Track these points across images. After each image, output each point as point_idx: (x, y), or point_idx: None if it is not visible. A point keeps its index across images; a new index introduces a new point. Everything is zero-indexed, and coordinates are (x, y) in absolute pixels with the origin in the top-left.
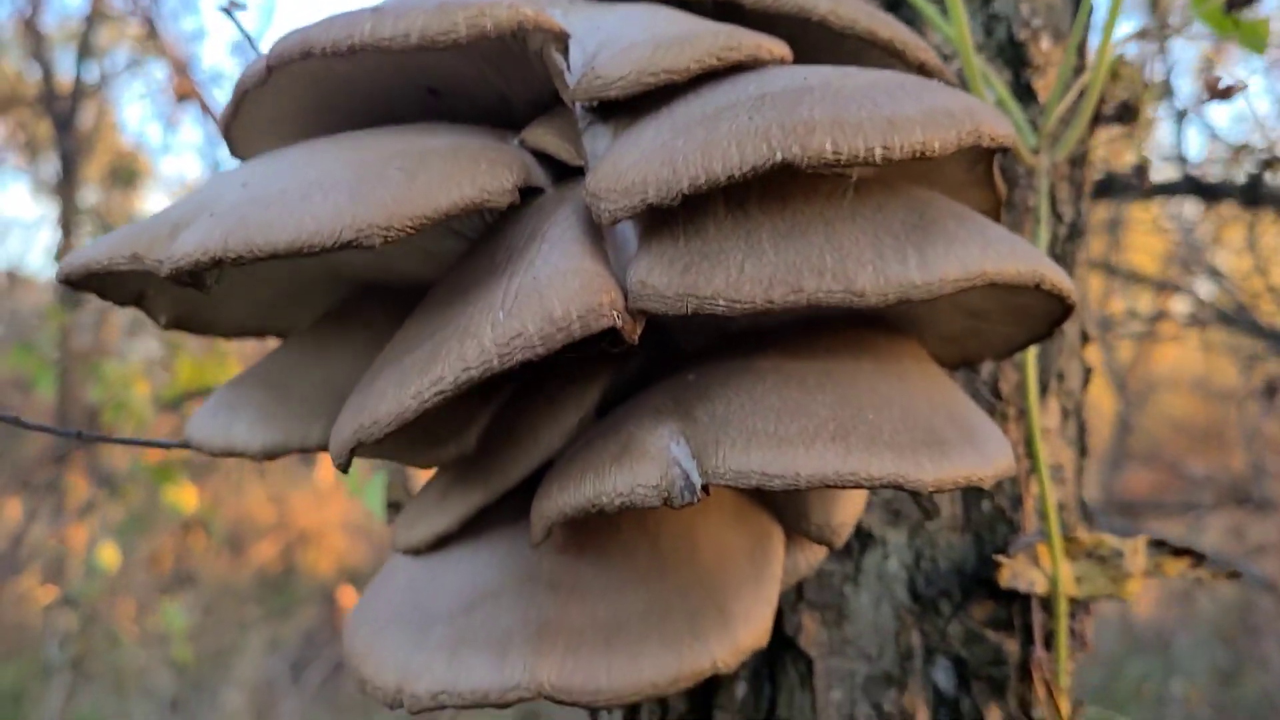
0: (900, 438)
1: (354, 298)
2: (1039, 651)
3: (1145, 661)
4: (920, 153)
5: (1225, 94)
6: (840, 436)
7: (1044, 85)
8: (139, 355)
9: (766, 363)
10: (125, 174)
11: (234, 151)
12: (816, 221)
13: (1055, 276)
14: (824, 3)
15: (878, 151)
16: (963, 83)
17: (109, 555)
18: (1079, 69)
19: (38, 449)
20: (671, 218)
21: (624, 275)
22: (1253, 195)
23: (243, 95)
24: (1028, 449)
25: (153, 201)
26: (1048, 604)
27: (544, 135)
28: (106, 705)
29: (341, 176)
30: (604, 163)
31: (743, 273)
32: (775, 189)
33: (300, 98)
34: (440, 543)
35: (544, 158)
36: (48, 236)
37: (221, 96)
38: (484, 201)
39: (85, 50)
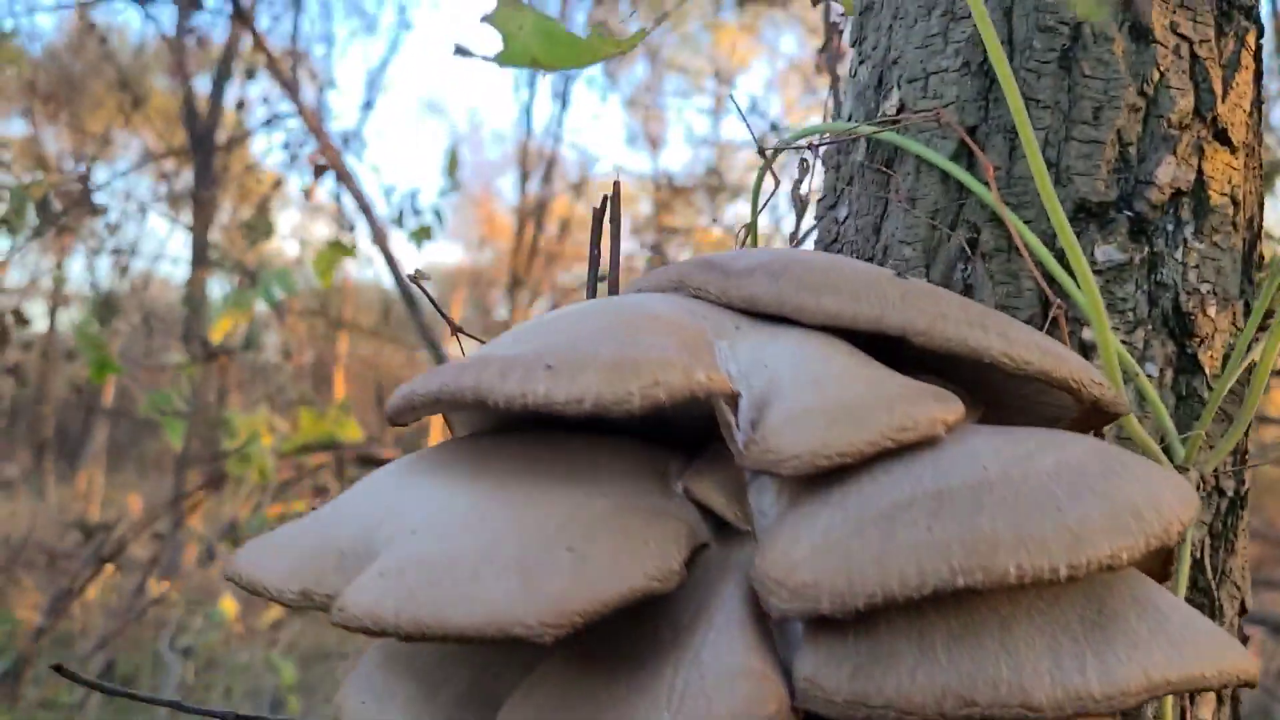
0: None
1: None
2: None
3: None
4: (1108, 566)
5: None
6: None
7: (1210, 357)
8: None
9: None
10: (261, 226)
11: (393, 425)
12: (991, 619)
13: (1243, 668)
14: (997, 344)
15: (1063, 572)
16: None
17: (229, 607)
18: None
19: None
20: None
21: (788, 658)
22: None
23: (410, 409)
24: None
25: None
26: None
27: (709, 490)
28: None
29: (511, 552)
30: (773, 545)
31: (915, 682)
32: None
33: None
34: None
35: (707, 510)
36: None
37: (349, 150)
38: (654, 590)
39: (224, 74)
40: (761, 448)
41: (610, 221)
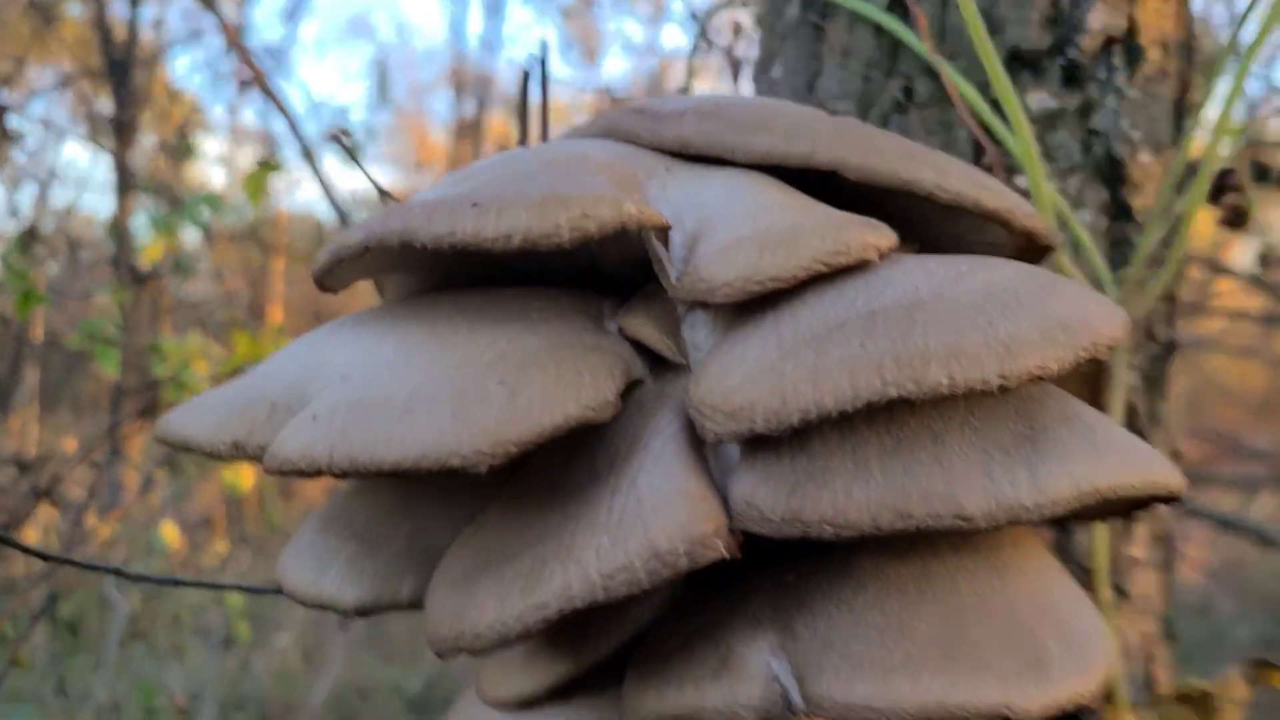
0: (1006, 659)
1: None
2: None
3: (1191, 627)
4: (1039, 376)
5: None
6: (945, 664)
7: (1142, 203)
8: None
9: (864, 563)
10: (182, 147)
11: (322, 289)
12: (924, 435)
13: (1169, 479)
14: (929, 175)
15: (995, 381)
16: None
17: (170, 533)
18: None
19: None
20: None
21: (724, 482)
22: None
23: (337, 262)
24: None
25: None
26: None
27: (643, 325)
28: (162, 641)
29: (443, 389)
30: (708, 372)
31: (850, 498)
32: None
33: (392, 257)
34: (524, 705)
35: (641, 346)
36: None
37: (275, 69)
38: (588, 419)
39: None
40: (694, 277)
41: (541, 81)
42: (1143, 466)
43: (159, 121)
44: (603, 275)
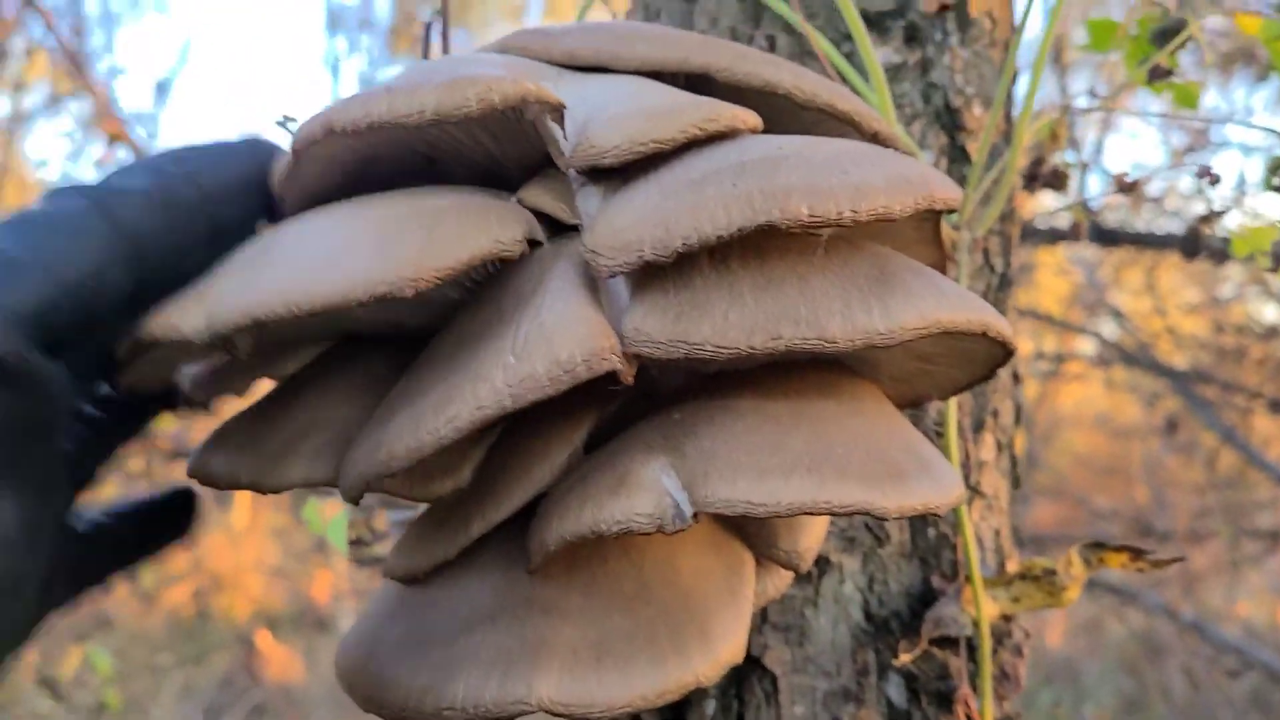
0: (866, 469)
1: (347, 343)
2: (964, 688)
3: (1057, 690)
4: (884, 215)
5: (1131, 188)
6: (814, 469)
7: (976, 148)
8: None
9: (744, 403)
10: None
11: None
12: (790, 276)
13: (999, 325)
14: (789, 77)
15: (847, 215)
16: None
17: None
18: (1006, 139)
19: None
20: (661, 272)
21: (618, 323)
22: (1191, 248)
23: (280, 184)
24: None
25: None
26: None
27: (540, 195)
28: None
29: (366, 238)
30: (599, 222)
31: (727, 321)
32: (754, 247)
33: (322, 177)
34: (436, 570)
35: (541, 216)
36: None
37: (145, 135)
38: (499, 251)
39: None
40: (585, 145)
41: (442, 34)
42: (980, 310)
43: (18, 193)
44: (507, 182)
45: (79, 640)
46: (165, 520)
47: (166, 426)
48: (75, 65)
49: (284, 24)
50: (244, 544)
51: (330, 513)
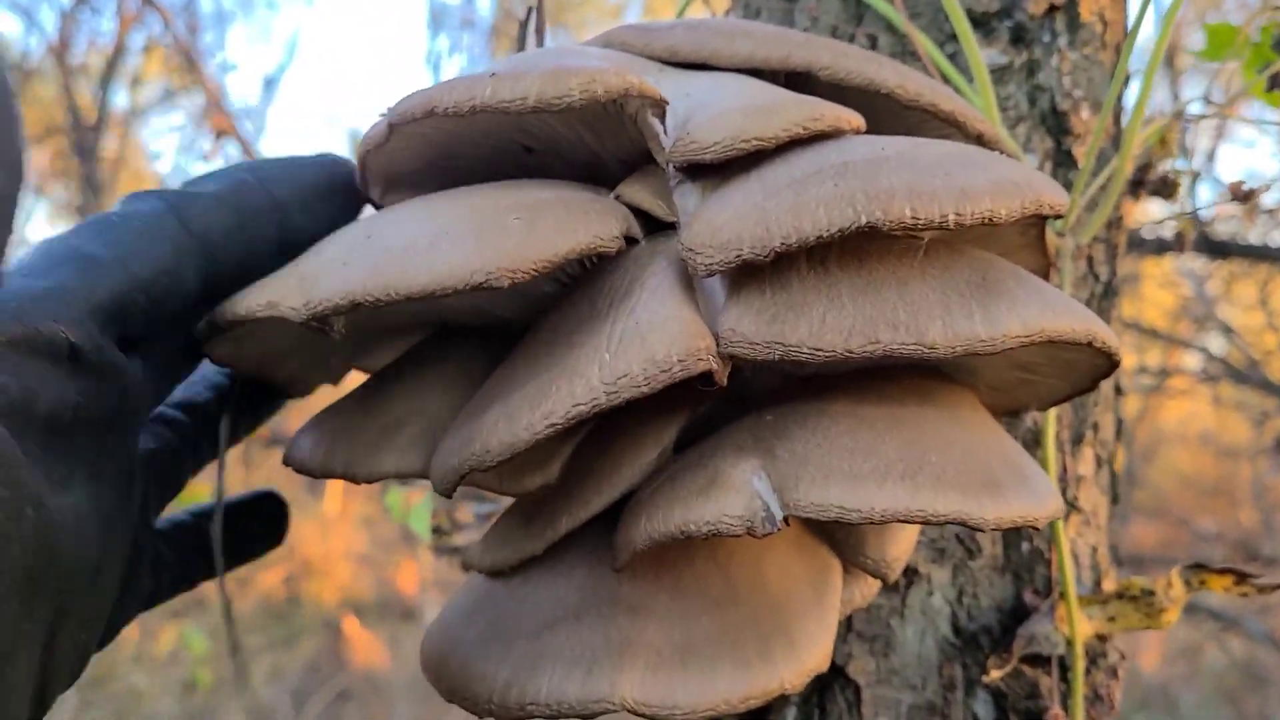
0: (962, 479)
1: (441, 336)
2: (1055, 709)
3: (1151, 718)
4: (989, 219)
5: (1247, 197)
6: (909, 476)
7: (1083, 153)
8: None
9: (838, 406)
10: None
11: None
12: (890, 279)
13: (1105, 335)
14: (892, 76)
15: (951, 218)
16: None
17: None
18: (1114, 144)
19: None
20: (758, 273)
21: (714, 323)
22: None
23: (365, 154)
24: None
25: None
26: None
27: (638, 192)
28: None
29: (465, 227)
30: (698, 220)
31: (824, 324)
32: (853, 249)
33: (411, 156)
34: (523, 565)
35: (637, 212)
36: None
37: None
38: (598, 247)
39: (110, 78)
40: (686, 140)
41: (537, 30)
42: (1085, 319)
43: (133, 183)
44: (604, 176)
45: (175, 618)
46: (254, 524)
47: None
48: (189, 61)
49: (388, 23)
50: (334, 532)
51: (413, 501)
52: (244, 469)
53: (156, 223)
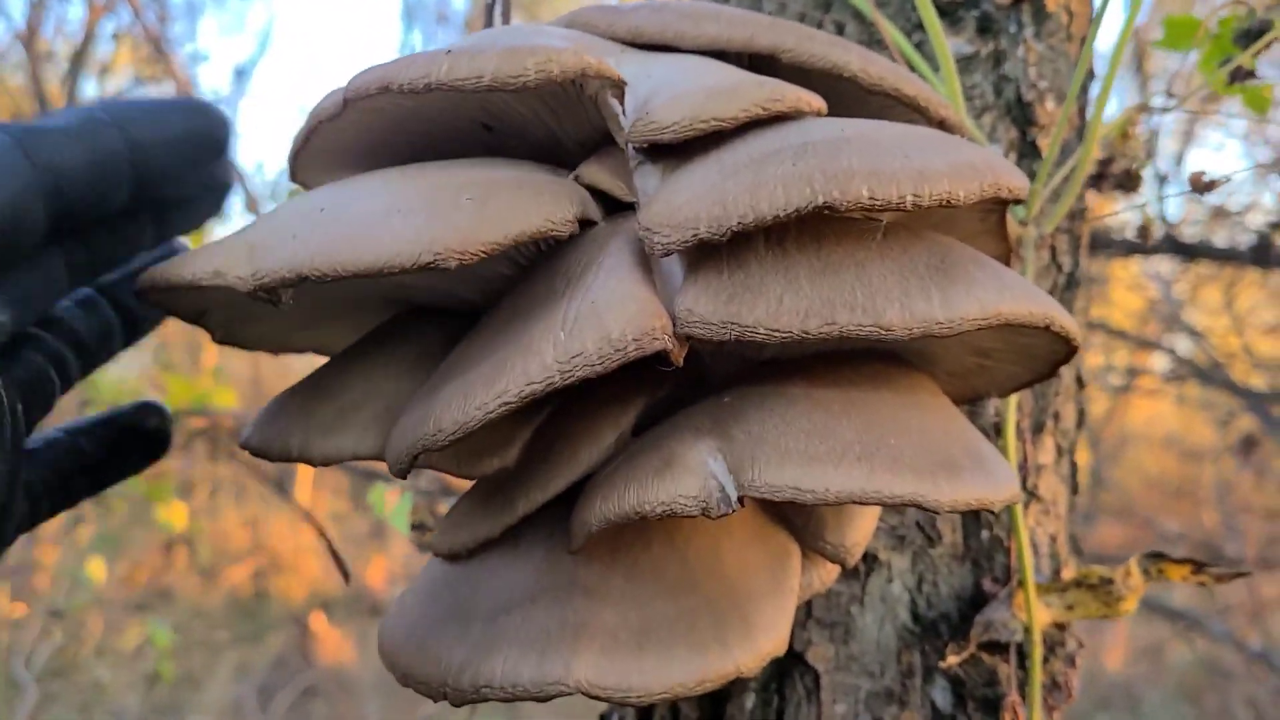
0: (919, 461)
1: (401, 317)
2: (1013, 696)
3: (1114, 716)
4: (946, 201)
5: (1208, 187)
6: (865, 458)
7: (1048, 143)
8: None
9: (795, 389)
10: None
11: (294, 178)
12: (848, 261)
13: (1064, 319)
14: (855, 60)
15: (909, 199)
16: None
17: (96, 568)
18: (1079, 135)
19: None
20: (716, 253)
21: (670, 304)
22: (1263, 257)
23: (317, 125)
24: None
25: None
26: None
27: (598, 173)
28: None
29: (417, 203)
30: (656, 200)
31: (781, 304)
32: (811, 230)
33: (366, 130)
34: (480, 548)
35: (597, 193)
36: None
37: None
38: (549, 230)
39: (78, 67)
40: (645, 120)
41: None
42: (1043, 303)
43: None
44: (564, 157)
45: (139, 611)
46: (135, 438)
47: (229, 404)
48: (159, 51)
49: (362, 16)
50: (303, 527)
51: (394, 499)
52: (213, 463)
53: (1, 156)
